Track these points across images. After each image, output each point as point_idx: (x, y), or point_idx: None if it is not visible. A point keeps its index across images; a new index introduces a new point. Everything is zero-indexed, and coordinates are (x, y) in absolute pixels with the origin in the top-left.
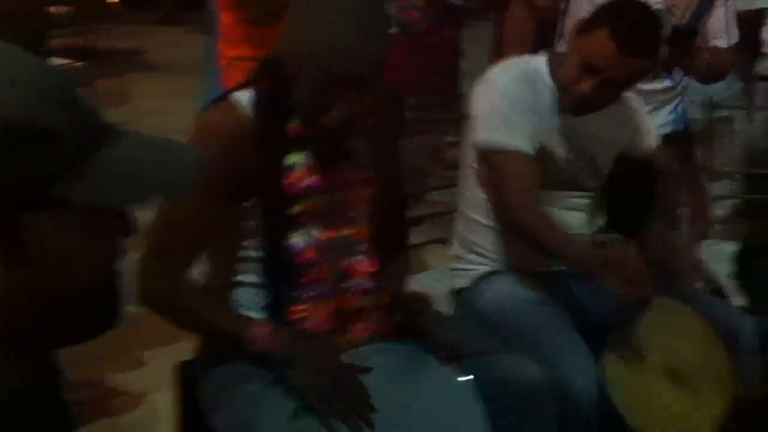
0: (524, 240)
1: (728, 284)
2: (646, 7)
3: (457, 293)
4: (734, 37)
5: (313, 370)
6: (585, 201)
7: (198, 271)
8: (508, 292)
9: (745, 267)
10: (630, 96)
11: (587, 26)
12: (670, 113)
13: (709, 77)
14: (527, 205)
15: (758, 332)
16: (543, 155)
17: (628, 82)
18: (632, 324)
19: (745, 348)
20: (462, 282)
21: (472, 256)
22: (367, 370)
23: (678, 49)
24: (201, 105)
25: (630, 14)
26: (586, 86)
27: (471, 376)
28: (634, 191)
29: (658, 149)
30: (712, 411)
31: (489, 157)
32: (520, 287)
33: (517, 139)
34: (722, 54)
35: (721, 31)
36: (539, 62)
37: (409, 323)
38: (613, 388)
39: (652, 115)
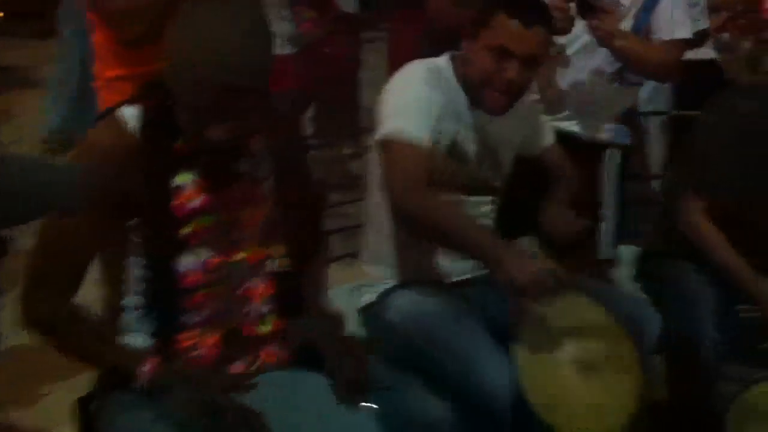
0: (418, 230)
1: (632, 286)
2: None
3: (364, 309)
4: (682, 32)
5: (195, 405)
6: (489, 207)
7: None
8: (414, 304)
9: (647, 269)
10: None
11: (481, 21)
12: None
13: (640, 69)
14: (417, 191)
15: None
16: (455, 155)
17: (541, 55)
18: (538, 318)
19: (651, 336)
20: (368, 297)
21: (379, 270)
22: (256, 416)
23: (584, 9)
24: (57, 123)
25: None
26: (510, 72)
27: (373, 406)
28: (528, 193)
29: (553, 149)
30: (624, 400)
31: (384, 148)
32: (426, 298)
33: (414, 129)
34: (658, 46)
35: (664, 26)
36: (442, 64)
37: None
38: (526, 385)
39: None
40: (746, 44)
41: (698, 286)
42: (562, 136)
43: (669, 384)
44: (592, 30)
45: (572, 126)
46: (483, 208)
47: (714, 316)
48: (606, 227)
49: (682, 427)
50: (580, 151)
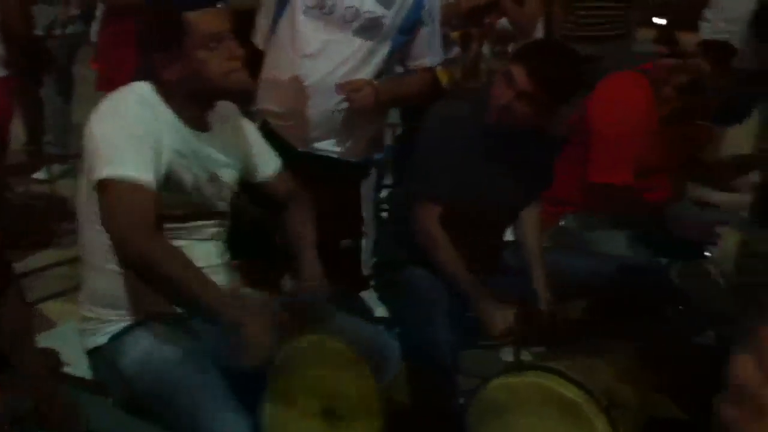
0: (146, 280)
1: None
2: None
3: (93, 353)
4: (437, 58)
5: None
6: (216, 229)
7: None
8: (147, 346)
9: (383, 278)
10: (244, 120)
11: (176, 32)
12: None
13: (405, 103)
14: (145, 239)
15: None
16: (172, 182)
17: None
18: (283, 365)
19: (392, 370)
20: (97, 340)
21: (105, 310)
22: None
23: None
24: None
25: None
26: (233, 48)
27: None
28: (253, 218)
29: (281, 175)
30: None
31: (102, 190)
32: (159, 340)
33: (132, 168)
34: (417, 77)
35: (425, 52)
36: (147, 90)
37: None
38: None
39: None
40: (464, 55)
41: (431, 290)
42: (320, 158)
43: (411, 388)
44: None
45: (330, 147)
46: (209, 231)
47: (448, 317)
48: (367, 243)
49: (426, 429)
50: (340, 171)
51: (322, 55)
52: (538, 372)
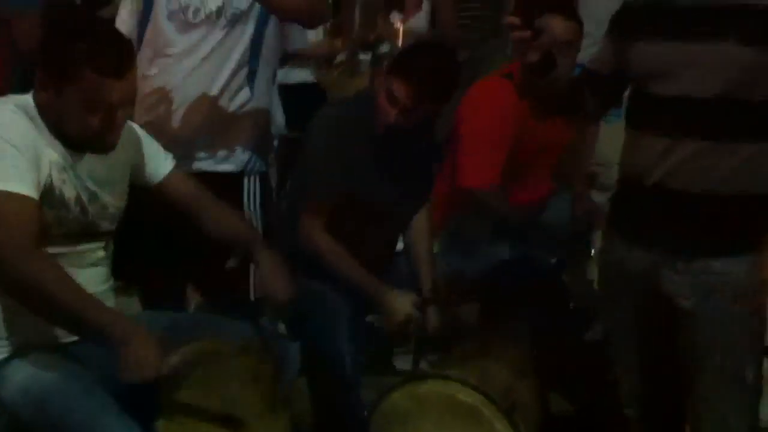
0: (24, 300)
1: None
2: None
3: None
4: None
5: None
6: (101, 253)
7: None
8: (31, 376)
9: None
10: (129, 123)
11: (63, 68)
12: None
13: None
14: (26, 254)
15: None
16: (54, 198)
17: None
18: (177, 378)
19: (291, 373)
20: None
21: None
22: None
23: None
24: None
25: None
26: (118, 119)
27: None
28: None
29: (177, 175)
30: None
31: None
32: (45, 367)
33: (9, 179)
34: None
35: None
36: (26, 100)
37: None
38: None
39: None
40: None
41: (329, 300)
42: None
43: (314, 402)
44: None
45: (201, 156)
46: (95, 255)
47: (348, 328)
48: None
49: None
50: (215, 183)
51: (187, 54)
52: (438, 380)
